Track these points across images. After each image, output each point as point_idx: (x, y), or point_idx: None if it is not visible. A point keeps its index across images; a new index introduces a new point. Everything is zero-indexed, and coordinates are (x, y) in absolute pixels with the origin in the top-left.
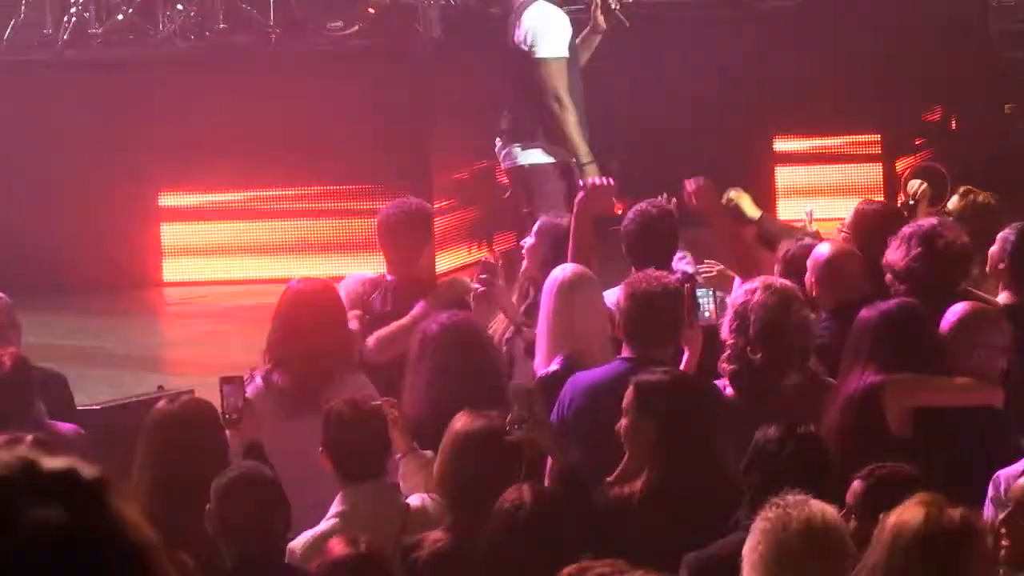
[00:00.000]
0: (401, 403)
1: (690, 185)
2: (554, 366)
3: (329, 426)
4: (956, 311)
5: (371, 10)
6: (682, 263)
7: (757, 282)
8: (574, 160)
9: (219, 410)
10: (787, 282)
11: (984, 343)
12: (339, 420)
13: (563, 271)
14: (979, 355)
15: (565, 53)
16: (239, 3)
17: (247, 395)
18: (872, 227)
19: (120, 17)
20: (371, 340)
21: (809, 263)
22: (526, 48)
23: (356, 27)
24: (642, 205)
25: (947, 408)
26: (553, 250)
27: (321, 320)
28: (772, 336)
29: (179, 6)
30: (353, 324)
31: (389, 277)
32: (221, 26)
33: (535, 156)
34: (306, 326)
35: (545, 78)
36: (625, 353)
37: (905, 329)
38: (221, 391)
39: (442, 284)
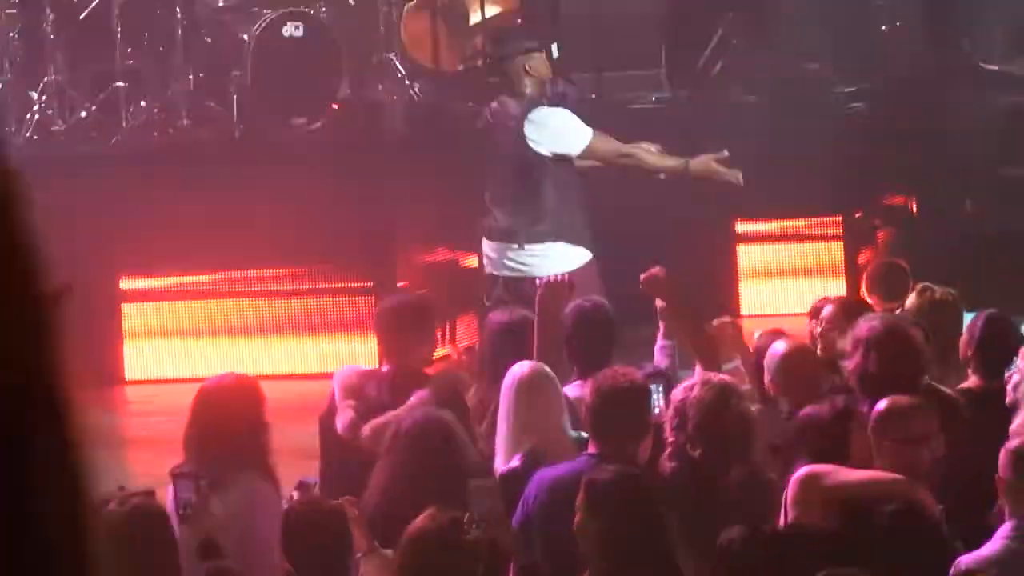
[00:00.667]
0: (364, 500)
1: (643, 275)
2: (514, 463)
3: (287, 527)
4: (877, 407)
5: (335, 106)
6: (662, 353)
7: (696, 377)
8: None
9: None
10: (726, 377)
11: (895, 436)
12: (297, 520)
13: (521, 369)
14: (891, 448)
15: (590, 132)
16: (203, 99)
17: (199, 489)
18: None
19: (83, 114)
20: (366, 429)
21: (766, 362)
22: (555, 152)
23: (320, 123)
24: (578, 301)
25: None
26: (500, 347)
27: (221, 417)
28: (710, 432)
29: (142, 102)
30: (348, 414)
31: (384, 368)
32: (184, 122)
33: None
34: (206, 424)
35: (600, 157)
36: (591, 449)
37: (830, 428)
38: (174, 486)
39: (438, 376)
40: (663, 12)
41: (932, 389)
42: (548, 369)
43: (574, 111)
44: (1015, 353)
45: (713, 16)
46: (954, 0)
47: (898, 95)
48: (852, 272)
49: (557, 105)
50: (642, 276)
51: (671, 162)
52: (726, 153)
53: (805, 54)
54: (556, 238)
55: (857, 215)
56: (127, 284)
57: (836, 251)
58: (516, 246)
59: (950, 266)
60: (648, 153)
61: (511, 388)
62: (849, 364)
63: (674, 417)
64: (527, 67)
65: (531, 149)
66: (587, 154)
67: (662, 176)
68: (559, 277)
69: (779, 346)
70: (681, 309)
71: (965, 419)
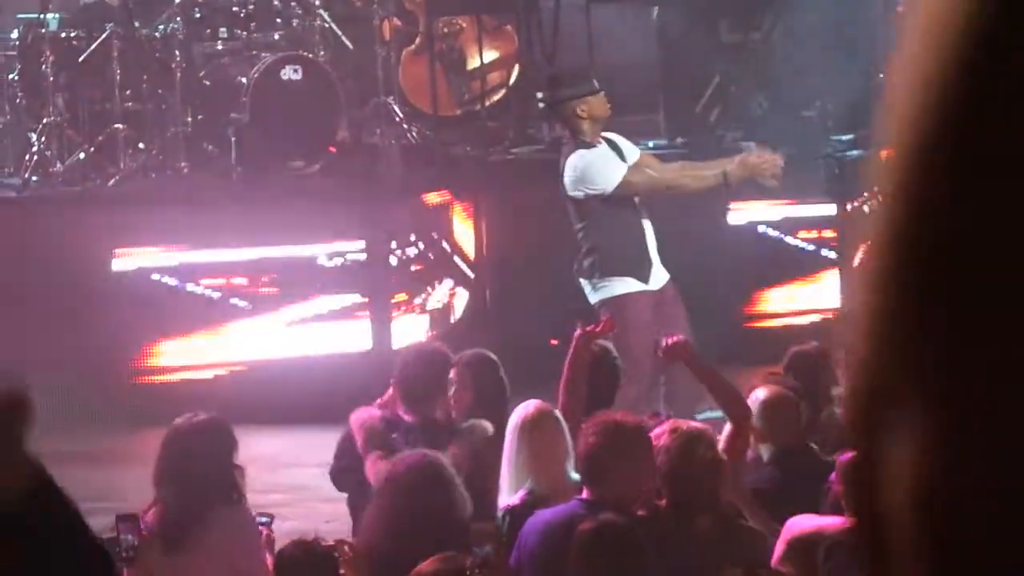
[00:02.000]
0: (357, 541)
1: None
2: (515, 500)
3: (279, 569)
4: (843, 455)
5: (332, 149)
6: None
7: (665, 426)
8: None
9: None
10: (696, 424)
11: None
12: (289, 563)
13: (526, 408)
14: None
15: (624, 169)
16: (201, 142)
17: (142, 532)
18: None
19: (82, 156)
20: None
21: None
22: (588, 193)
23: (317, 166)
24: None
25: None
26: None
27: (199, 454)
28: (677, 480)
29: (141, 144)
30: (381, 465)
31: (408, 418)
32: (183, 165)
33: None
34: (181, 460)
35: (637, 191)
36: (584, 494)
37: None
38: (116, 529)
39: (465, 428)
40: (661, 59)
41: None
42: (554, 409)
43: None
44: None
45: (710, 63)
46: None
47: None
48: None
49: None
50: (663, 346)
51: (711, 180)
52: (753, 146)
53: (801, 101)
54: (602, 273)
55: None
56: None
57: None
58: (581, 280)
59: None
60: (689, 177)
61: (516, 427)
62: (842, 411)
63: None
64: (579, 111)
65: (569, 194)
66: (622, 191)
67: None
68: (592, 325)
69: (760, 392)
70: (703, 370)
71: None
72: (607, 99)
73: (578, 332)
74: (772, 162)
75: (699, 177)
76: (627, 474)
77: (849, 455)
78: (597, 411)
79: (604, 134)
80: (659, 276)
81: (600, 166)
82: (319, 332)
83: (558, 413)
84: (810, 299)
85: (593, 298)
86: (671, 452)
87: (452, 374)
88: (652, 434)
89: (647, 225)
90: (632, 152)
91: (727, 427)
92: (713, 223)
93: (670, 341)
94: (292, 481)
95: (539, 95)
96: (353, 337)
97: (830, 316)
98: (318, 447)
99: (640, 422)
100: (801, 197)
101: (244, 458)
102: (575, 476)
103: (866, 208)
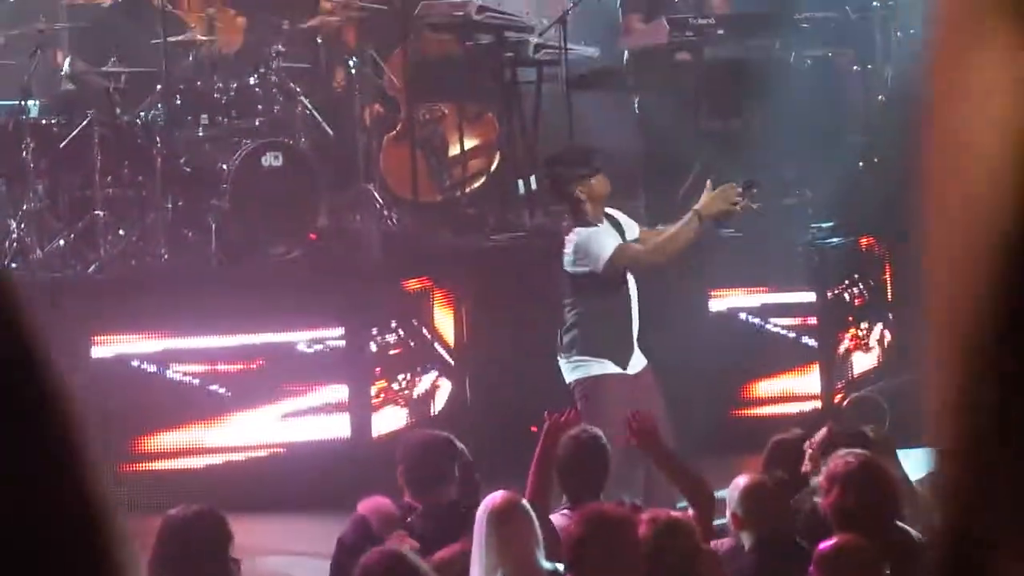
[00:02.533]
0: None
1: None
2: None
3: None
4: (822, 546)
5: (313, 236)
6: None
7: (646, 514)
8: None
9: None
10: (677, 514)
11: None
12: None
13: (493, 499)
14: None
15: (611, 247)
16: (180, 229)
17: None
18: (790, 457)
19: (61, 242)
20: (435, 560)
21: (728, 495)
22: (580, 269)
23: (297, 252)
24: (574, 430)
25: None
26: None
27: (196, 546)
28: (654, 569)
29: (121, 231)
30: (407, 543)
31: (417, 505)
32: (163, 251)
33: (574, 371)
34: (178, 551)
35: (628, 267)
36: None
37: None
38: None
39: (480, 516)
40: (642, 146)
41: (901, 532)
42: (522, 499)
43: (553, 244)
44: None
45: (691, 150)
46: None
47: (876, 229)
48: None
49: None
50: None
51: (690, 227)
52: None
53: (782, 189)
54: (580, 351)
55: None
56: None
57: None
58: (559, 355)
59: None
60: (669, 238)
61: (484, 517)
62: (824, 501)
63: None
64: (579, 192)
65: (564, 269)
66: (611, 267)
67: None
68: (561, 414)
69: (741, 480)
70: (663, 454)
71: (926, 566)
72: (606, 178)
73: (546, 424)
74: (733, 189)
75: (678, 233)
76: (612, 566)
77: (829, 544)
78: (587, 497)
79: (608, 210)
80: (637, 362)
81: (593, 243)
82: (298, 422)
83: (526, 502)
84: (794, 388)
85: (568, 376)
86: (650, 542)
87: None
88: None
89: (634, 310)
90: (632, 228)
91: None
92: (694, 311)
93: (635, 423)
94: (275, 570)
95: (539, 174)
96: (332, 426)
97: (815, 405)
98: (300, 534)
99: (626, 514)
100: (781, 285)
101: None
102: (546, 565)
103: (846, 296)
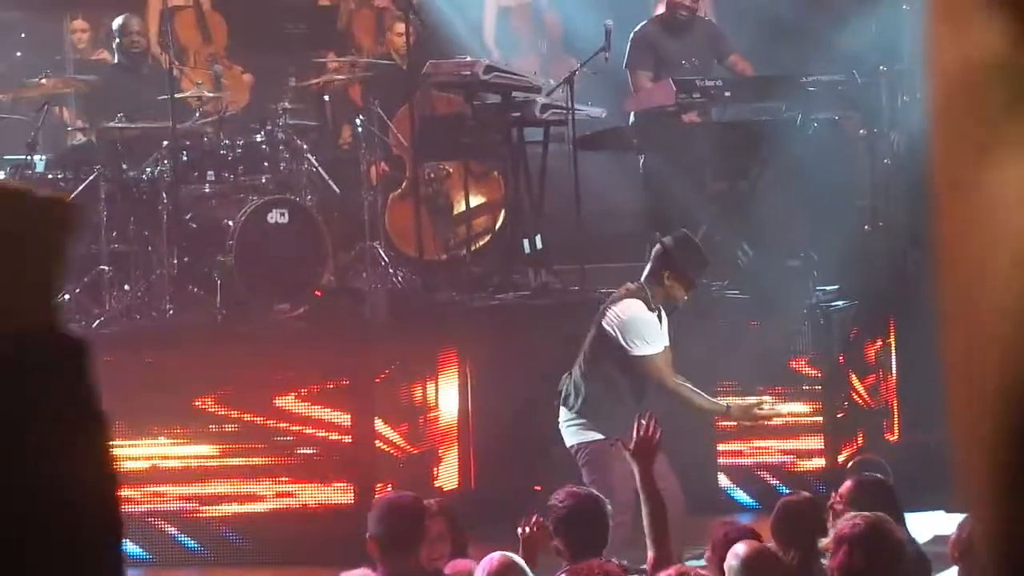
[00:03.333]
0: None
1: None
2: None
3: None
4: None
5: (318, 293)
6: None
7: (672, 571)
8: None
9: None
10: (702, 572)
11: None
12: None
13: (491, 560)
14: None
15: (656, 348)
16: (186, 284)
17: None
18: (799, 520)
19: (66, 297)
20: None
21: (727, 565)
22: (617, 336)
23: (302, 309)
24: (573, 488)
25: None
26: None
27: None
28: None
29: (126, 286)
30: None
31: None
32: (168, 307)
33: (576, 434)
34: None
35: (650, 374)
36: None
37: None
38: None
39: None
40: (647, 206)
41: None
42: (518, 559)
43: (558, 303)
44: None
45: (696, 211)
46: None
47: (881, 293)
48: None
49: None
50: (635, 441)
51: (711, 406)
52: (767, 400)
53: (786, 250)
54: (588, 417)
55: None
56: None
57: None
58: (562, 411)
59: (934, 463)
60: (694, 394)
61: None
62: (831, 562)
63: None
64: (667, 278)
65: (602, 324)
66: (639, 364)
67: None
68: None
69: (739, 548)
70: (651, 482)
71: None
72: (689, 291)
73: (522, 533)
74: (774, 414)
75: (702, 404)
76: None
77: None
78: (588, 556)
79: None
80: None
81: (644, 330)
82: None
83: (523, 562)
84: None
85: (570, 439)
86: None
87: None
88: None
89: (642, 398)
90: (665, 339)
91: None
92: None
93: (640, 436)
94: None
95: (659, 236)
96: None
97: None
98: None
99: (619, 570)
100: (786, 351)
101: None
102: None
103: (851, 359)
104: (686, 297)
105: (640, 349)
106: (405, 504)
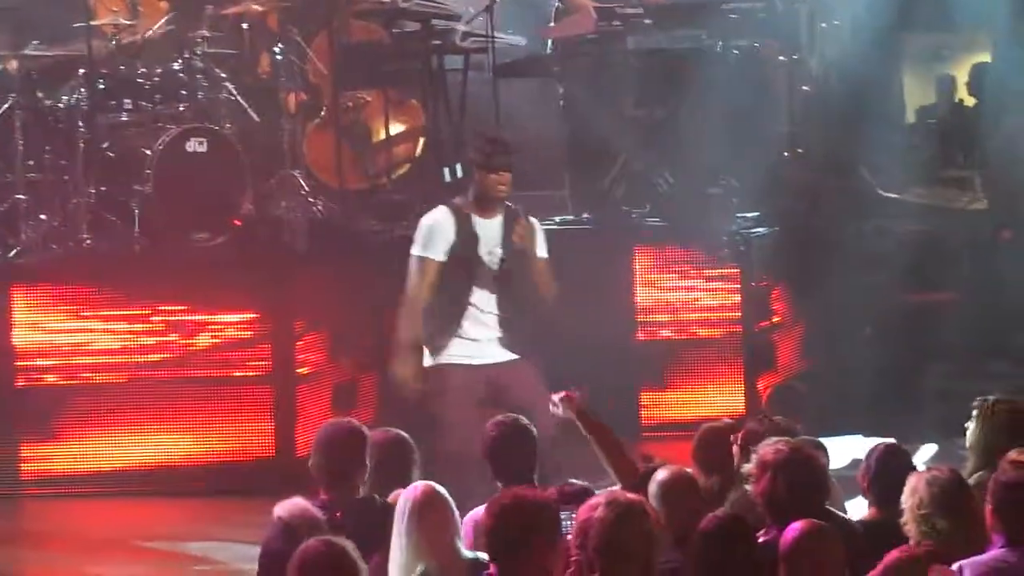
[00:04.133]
0: None
1: (557, 396)
2: None
3: None
4: (793, 529)
5: (237, 222)
6: None
7: (601, 496)
8: None
9: None
10: (633, 496)
11: (811, 561)
12: None
13: (414, 490)
14: (816, 572)
15: (430, 255)
16: (103, 214)
17: None
18: (719, 448)
19: None
20: None
21: (649, 489)
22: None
23: (222, 238)
24: (501, 418)
25: None
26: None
27: None
28: (610, 552)
29: (42, 216)
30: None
31: (324, 496)
32: (85, 236)
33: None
34: None
35: (409, 275)
36: (491, 570)
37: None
38: None
39: (400, 507)
40: (567, 134)
41: (835, 516)
42: (441, 488)
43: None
44: None
45: (616, 140)
46: (852, 130)
47: (798, 218)
48: (751, 386)
49: None
50: (556, 397)
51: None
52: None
53: (707, 178)
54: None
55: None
56: None
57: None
58: None
59: (851, 391)
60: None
61: (405, 510)
62: (755, 488)
63: (576, 536)
64: (477, 177)
65: None
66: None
67: None
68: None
69: (659, 474)
70: (594, 427)
71: (863, 548)
72: (503, 179)
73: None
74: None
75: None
76: (529, 549)
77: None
78: (519, 481)
79: (530, 219)
80: (490, 353)
81: (422, 232)
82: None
83: (445, 492)
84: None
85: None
86: (605, 523)
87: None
88: (586, 504)
89: (480, 301)
90: (540, 244)
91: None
92: (621, 295)
93: (566, 393)
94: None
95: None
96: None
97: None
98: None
99: (542, 495)
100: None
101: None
102: (467, 554)
103: (770, 284)
104: (503, 185)
105: (413, 250)
106: (343, 432)
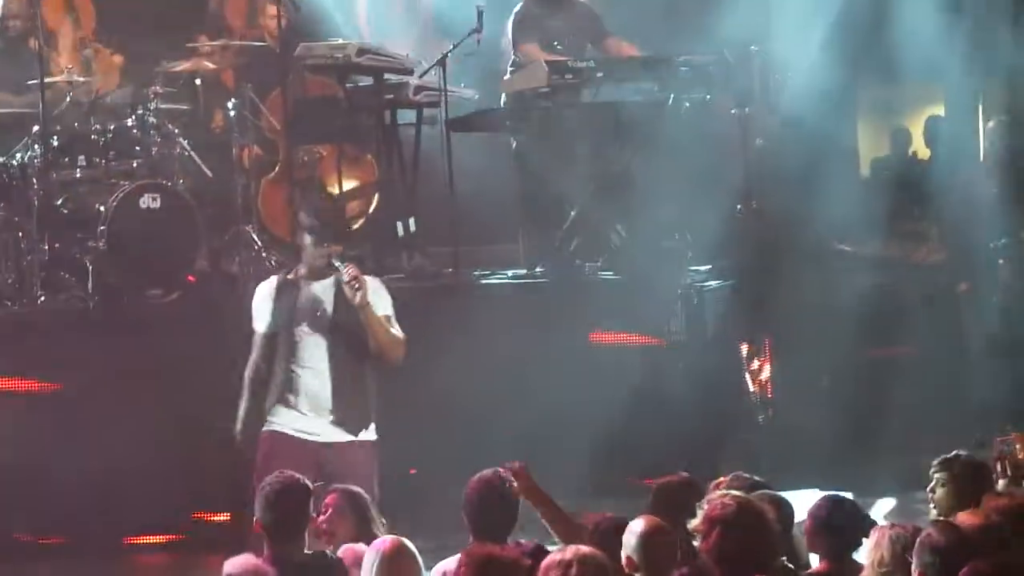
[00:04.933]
0: None
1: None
2: None
3: None
4: None
5: (191, 278)
6: None
7: (567, 553)
8: None
9: None
10: (599, 553)
11: None
12: None
13: (383, 543)
14: None
15: (255, 328)
16: (58, 271)
17: None
18: (675, 502)
19: None
20: None
21: (624, 538)
22: None
23: (176, 294)
24: (486, 474)
25: None
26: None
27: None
28: None
29: None
30: None
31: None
32: (39, 293)
33: None
34: None
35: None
36: None
37: None
38: None
39: (369, 561)
40: (520, 188)
41: (786, 570)
42: (409, 543)
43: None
44: (862, 536)
45: (570, 193)
46: (808, 183)
47: (754, 274)
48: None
49: None
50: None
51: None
52: None
53: (661, 232)
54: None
55: None
56: None
57: None
58: None
59: (805, 443)
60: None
61: (372, 561)
62: (703, 545)
63: None
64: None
65: None
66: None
67: None
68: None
69: (637, 524)
70: (541, 499)
71: None
72: (330, 251)
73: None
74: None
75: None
76: None
77: None
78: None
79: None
80: (321, 431)
81: (253, 306)
82: None
83: (413, 548)
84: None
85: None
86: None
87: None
88: (549, 559)
89: (310, 370)
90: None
91: None
92: (575, 351)
93: (510, 468)
94: None
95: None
96: None
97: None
98: None
99: (514, 555)
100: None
101: None
102: None
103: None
104: (326, 257)
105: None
106: (290, 488)
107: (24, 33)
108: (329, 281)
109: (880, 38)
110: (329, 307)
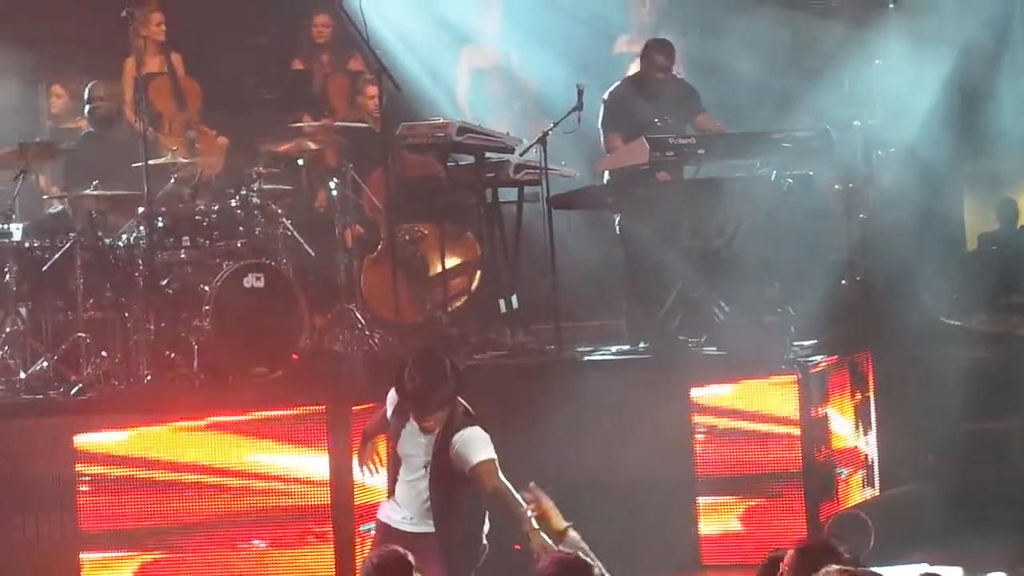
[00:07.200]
0: None
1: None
2: None
3: None
4: None
5: (295, 356)
6: None
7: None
8: None
9: None
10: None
11: None
12: None
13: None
14: None
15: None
16: (163, 350)
17: None
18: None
19: (44, 364)
20: None
21: None
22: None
23: (280, 373)
24: (559, 555)
25: None
26: None
27: None
28: None
29: (103, 352)
30: None
31: None
32: (145, 372)
33: None
34: None
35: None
36: None
37: None
38: None
39: None
40: (623, 264)
41: None
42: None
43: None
44: None
45: (672, 269)
46: (913, 257)
47: (859, 347)
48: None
49: None
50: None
51: (541, 539)
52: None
53: (764, 307)
54: None
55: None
56: None
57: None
58: None
59: (916, 519)
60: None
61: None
62: None
63: None
64: None
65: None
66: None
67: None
68: None
69: None
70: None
71: None
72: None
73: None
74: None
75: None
76: None
77: None
78: None
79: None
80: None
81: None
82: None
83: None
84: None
85: None
86: None
87: None
88: None
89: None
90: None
91: None
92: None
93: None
94: None
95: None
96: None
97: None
98: None
99: None
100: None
101: None
102: None
103: (826, 412)
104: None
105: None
106: (391, 562)
107: (110, 115)
108: (432, 436)
109: (984, 110)
110: (429, 455)
